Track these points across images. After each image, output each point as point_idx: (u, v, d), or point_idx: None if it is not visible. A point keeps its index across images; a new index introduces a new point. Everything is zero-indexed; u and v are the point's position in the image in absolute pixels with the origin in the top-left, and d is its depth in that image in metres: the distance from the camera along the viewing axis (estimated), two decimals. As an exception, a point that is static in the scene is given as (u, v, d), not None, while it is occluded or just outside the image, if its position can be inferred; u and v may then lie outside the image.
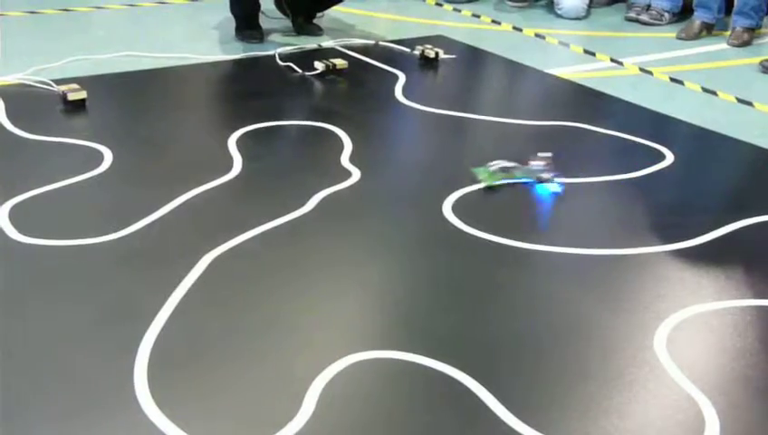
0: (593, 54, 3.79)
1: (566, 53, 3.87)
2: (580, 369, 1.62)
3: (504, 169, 2.38)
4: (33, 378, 1.52)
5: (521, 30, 4.19)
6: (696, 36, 4.13)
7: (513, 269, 1.97)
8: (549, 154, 2.39)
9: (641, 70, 3.59)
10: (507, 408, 1.49)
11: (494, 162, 2.40)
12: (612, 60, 3.71)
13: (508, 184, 2.37)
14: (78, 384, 1.51)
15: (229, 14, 3.78)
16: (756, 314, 1.82)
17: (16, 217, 2.08)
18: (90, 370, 1.55)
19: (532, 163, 2.40)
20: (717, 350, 1.70)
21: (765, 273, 1.99)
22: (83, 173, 2.35)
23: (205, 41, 3.72)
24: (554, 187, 2.35)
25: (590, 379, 1.59)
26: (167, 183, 2.31)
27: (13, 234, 2.00)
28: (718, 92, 3.31)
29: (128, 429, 1.41)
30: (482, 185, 2.34)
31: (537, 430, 1.45)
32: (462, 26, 4.21)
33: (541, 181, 2.36)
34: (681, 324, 1.77)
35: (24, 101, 2.87)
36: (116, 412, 1.45)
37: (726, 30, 4.18)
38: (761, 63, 3.63)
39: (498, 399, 1.52)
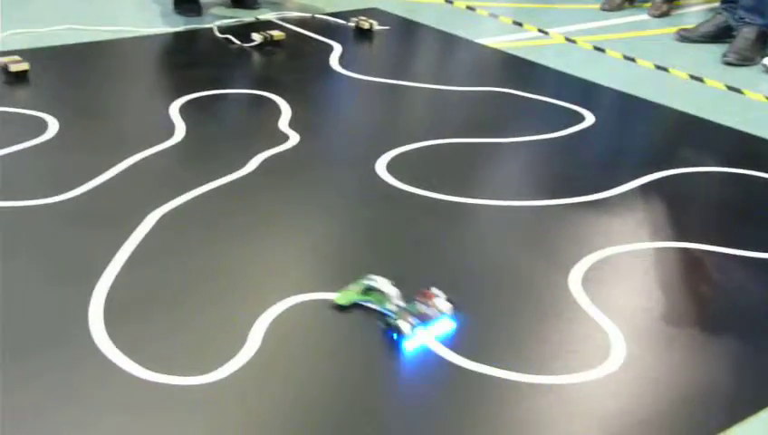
0: (521, 25, 3.96)
1: (495, 24, 4.03)
2: (504, 306, 1.77)
3: (372, 289, 1.73)
4: (-7, 324, 1.62)
5: (452, 2, 4.33)
6: (619, 7, 4.32)
7: (444, 220, 2.11)
8: (442, 296, 1.68)
9: (566, 39, 3.76)
10: (437, 339, 1.64)
11: (372, 278, 1.75)
12: (539, 30, 3.88)
13: (364, 304, 1.73)
14: (36, 328, 1.61)
15: (167, -12, 3.85)
16: (661, 255, 1.99)
17: (-34, 181, 2.16)
18: (47, 315, 1.65)
19: (417, 301, 1.67)
20: (625, 286, 1.87)
21: (672, 219, 2.18)
22: (29, 140, 2.42)
23: (144, 14, 3.78)
24: (417, 336, 1.62)
25: (513, 314, 1.74)
26: (112, 149, 2.40)
27: (-36, 196, 2.09)
28: (637, 59, 3.50)
29: (82, 360, 1.52)
30: (335, 298, 1.73)
31: (465, 356, 1.60)
32: (396, -1, 4.34)
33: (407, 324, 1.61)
34: (594, 265, 1.93)
35: (-34, 74, 2.92)
36: (74, 352, 1.55)
37: (647, 2, 4.38)
38: (677, 33, 3.84)
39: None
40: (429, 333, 1.63)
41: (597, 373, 1.57)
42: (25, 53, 3.05)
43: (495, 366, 1.58)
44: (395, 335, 1.61)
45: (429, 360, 1.58)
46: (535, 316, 1.74)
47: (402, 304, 1.67)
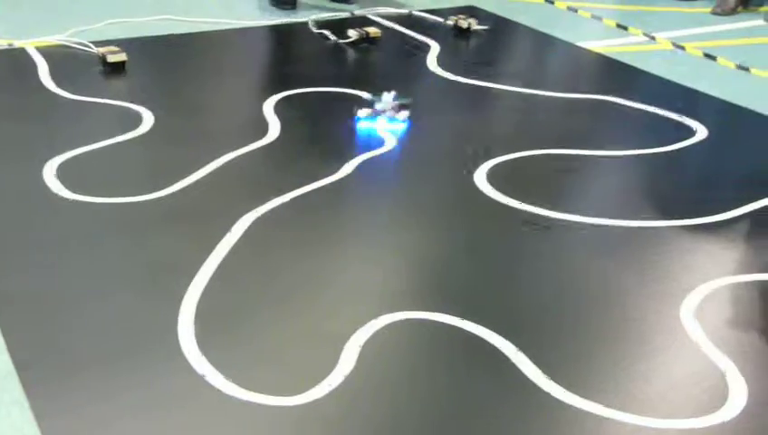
0: (626, 29, 3.80)
1: (598, 26, 3.88)
2: (607, 335, 1.66)
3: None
4: (82, 326, 1.58)
5: (553, 3, 4.19)
6: (732, 12, 4.12)
7: (544, 237, 2.01)
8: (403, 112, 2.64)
9: (674, 45, 3.59)
10: (537, 366, 1.54)
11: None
12: (645, 34, 3.71)
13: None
14: (124, 333, 1.57)
15: (264, -19, 3.82)
16: (783, 288, 1.85)
17: (63, 174, 2.15)
18: (135, 319, 1.61)
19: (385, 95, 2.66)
20: (743, 320, 1.74)
21: (793, 248, 2.03)
22: (125, 133, 2.41)
23: (240, 6, 3.76)
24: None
25: (617, 344, 1.63)
26: (205, 146, 2.37)
27: (60, 191, 2.07)
28: (752, 69, 3.31)
29: (170, 372, 1.47)
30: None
31: (563, 387, 1.49)
32: (495, -3, 4.22)
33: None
34: (707, 295, 1.80)
35: (65, 63, 2.93)
36: (160, 357, 1.51)
37: (763, 5, 4.16)
38: (795, 41, 3.63)
39: (529, 358, 1.57)
40: (383, 125, 2.59)
41: (712, 419, 1.45)
42: (122, 43, 3.05)
43: (595, 401, 1.47)
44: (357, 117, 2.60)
45: (531, 392, 1.49)
46: (642, 350, 1.62)
47: (383, 104, 2.63)
